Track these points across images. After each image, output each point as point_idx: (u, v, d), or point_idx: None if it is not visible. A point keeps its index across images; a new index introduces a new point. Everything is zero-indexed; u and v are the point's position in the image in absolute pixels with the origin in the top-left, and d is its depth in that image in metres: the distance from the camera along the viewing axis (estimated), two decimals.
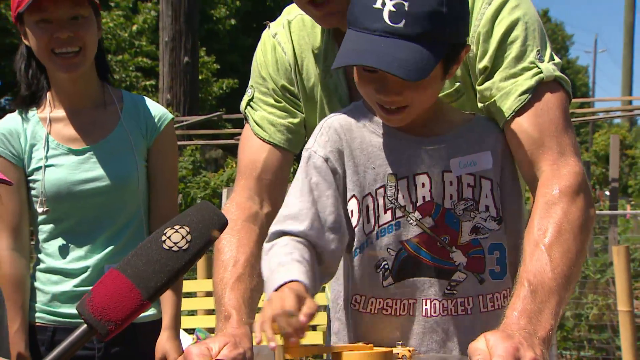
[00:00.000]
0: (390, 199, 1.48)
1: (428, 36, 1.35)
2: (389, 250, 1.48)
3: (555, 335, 1.73)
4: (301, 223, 1.46)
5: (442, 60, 1.39)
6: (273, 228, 1.50)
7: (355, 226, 1.50)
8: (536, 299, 1.29)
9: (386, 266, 1.48)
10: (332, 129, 1.52)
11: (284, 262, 1.40)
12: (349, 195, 1.50)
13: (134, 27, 19.39)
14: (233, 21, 22.94)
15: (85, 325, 1.08)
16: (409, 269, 1.47)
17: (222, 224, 1.16)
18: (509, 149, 1.52)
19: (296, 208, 1.48)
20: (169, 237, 1.11)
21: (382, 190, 1.48)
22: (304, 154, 1.55)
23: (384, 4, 1.35)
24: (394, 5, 1.34)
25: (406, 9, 1.34)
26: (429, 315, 1.47)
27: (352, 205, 1.50)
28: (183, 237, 1.11)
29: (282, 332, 1.26)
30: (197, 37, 13.21)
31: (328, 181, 1.49)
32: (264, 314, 1.28)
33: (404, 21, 1.34)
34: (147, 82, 18.74)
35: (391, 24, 1.34)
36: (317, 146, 1.52)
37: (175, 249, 1.10)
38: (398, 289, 1.48)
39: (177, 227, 1.12)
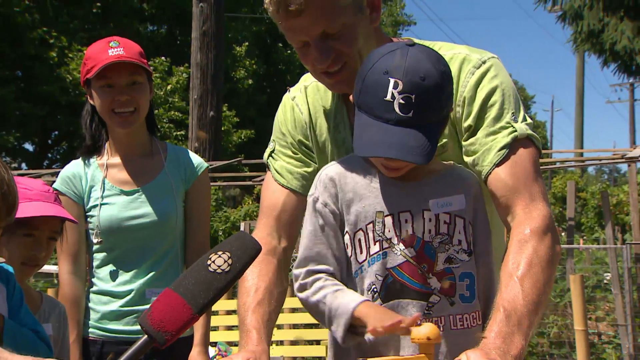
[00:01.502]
0: (378, 232, 1.48)
1: (432, 121, 1.39)
2: (377, 276, 1.47)
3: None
4: (326, 265, 1.49)
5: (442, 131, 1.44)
6: (302, 268, 1.51)
7: (350, 256, 1.51)
8: (510, 322, 1.29)
9: (375, 289, 1.48)
10: (328, 176, 1.53)
11: (342, 289, 1.45)
12: (344, 231, 1.51)
13: (169, 87, 19.49)
14: (250, 81, 23.07)
15: (145, 336, 1.08)
16: (395, 292, 1.47)
17: (257, 250, 1.17)
18: (480, 194, 1.53)
19: (315, 250, 1.50)
20: (213, 261, 1.12)
21: (371, 225, 1.48)
22: (309, 199, 1.55)
23: (393, 97, 1.35)
24: (402, 99, 1.35)
25: (413, 101, 1.35)
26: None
27: (346, 239, 1.51)
28: (225, 261, 1.12)
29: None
30: (221, 95, 13.27)
31: (330, 222, 1.51)
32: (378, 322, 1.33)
33: (412, 112, 1.35)
34: (178, 133, 18.78)
35: (402, 115, 1.36)
36: (318, 193, 1.53)
37: (219, 271, 1.11)
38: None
39: (220, 252, 1.13)
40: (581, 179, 20.60)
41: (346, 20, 1.49)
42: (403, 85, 1.35)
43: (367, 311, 1.38)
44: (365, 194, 1.50)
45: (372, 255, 1.48)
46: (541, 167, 1.55)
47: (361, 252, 1.50)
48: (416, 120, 1.36)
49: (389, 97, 1.36)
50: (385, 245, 1.47)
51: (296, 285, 1.52)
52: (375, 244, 1.48)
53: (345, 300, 1.41)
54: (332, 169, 1.55)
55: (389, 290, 1.48)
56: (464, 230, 1.49)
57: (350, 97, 1.48)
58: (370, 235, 1.49)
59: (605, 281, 7.09)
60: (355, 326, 1.41)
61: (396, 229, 1.47)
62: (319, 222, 1.51)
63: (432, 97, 1.36)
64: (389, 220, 1.48)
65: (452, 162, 1.56)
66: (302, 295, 1.50)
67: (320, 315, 1.47)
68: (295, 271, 1.53)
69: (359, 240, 1.50)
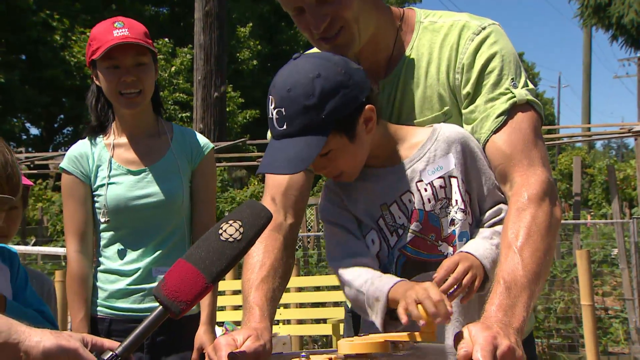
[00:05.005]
0: (390, 224, 1.49)
1: (308, 127, 1.36)
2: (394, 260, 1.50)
3: (533, 320, 1.73)
4: (363, 257, 1.50)
5: (340, 131, 1.40)
6: (340, 262, 1.51)
7: (378, 251, 1.52)
8: (510, 294, 1.27)
9: (391, 273, 1.49)
10: (329, 188, 1.57)
11: (380, 275, 1.44)
12: (367, 228, 1.52)
13: (173, 69, 19.46)
14: (255, 62, 23.04)
15: (160, 307, 1.08)
16: (413, 269, 1.49)
17: (268, 218, 1.16)
18: (466, 147, 1.50)
19: (349, 245, 1.51)
20: (225, 230, 1.11)
21: (381, 220, 1.50)
22: (321, 209, 1.59)
23: (272, 113, 1.39)
24: (276, 113, 1.38)
25: (284, 114, 1.37)
26: None
27: (372, 235, 1.52)
28: (237, 230, 1.11)
29: (430, 314, 1.27)
30: (225, 76, 13.22)
31: (351, 222, 1.53)
32: (409, 298, 1.31)
33: (285, 124, 1.37)
34: (183, 114, 18.79)
35: (279, 129, 1.38)
36: (326, 200, 1.57)
37: (230, 239, 1.11)
38: None
39: (231, 221, 1.13)
40: (588, 155, 20.55)
41: None
42: (275, 101, 1.38)
43: (400, 291, 1.36)
44: (363, 194, 1.52)
45: (393, 246, 1.50)
46: (549, 143, 1.53)
47: (380, 248, 1.51)
48: (293, 132, 1.37)
49: (270, 114, 1.40)
50: (401, 231, 1.49)
51: (340, 280, 1.52)
52: (392, 235, 1.50)
53: (382, 283, 1.41)
54: (331, 180, 1.57)
55: (405, 270, 1.49)
56: (459, 189, 1.49)
57: None
58: (385, 229, 1.50)
59: (612, 256, 7.10)
60: (394, 311, 1.38)
61: (404, 212, 1.49)
62: (340, 223, 1.53)
63: (299, 106, 1.35)
64: (394, 207, 1.49)
65: (432, 124, 1.55)
66: (344, 292, 1.50)
67: (360, 305, 1.46)
68: (332, 264, 1.54)
69: (378, 236, 1.51)
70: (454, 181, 1.48)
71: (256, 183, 11.38)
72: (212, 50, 12.38)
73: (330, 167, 1.46)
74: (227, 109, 15.91)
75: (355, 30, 1.51)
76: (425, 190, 1.48)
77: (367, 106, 1.42)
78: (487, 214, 1.51)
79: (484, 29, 1.53)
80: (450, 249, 1.48)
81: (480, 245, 1.45)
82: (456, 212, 1.48)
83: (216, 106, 12.56)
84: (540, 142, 1.48)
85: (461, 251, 1.44)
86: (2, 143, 1.56)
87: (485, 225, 1.51)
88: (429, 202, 1.48)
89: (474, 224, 1.51)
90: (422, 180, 1.48)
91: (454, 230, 1.48)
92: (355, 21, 1.51)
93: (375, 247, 1.52)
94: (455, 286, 1.38)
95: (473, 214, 1.51)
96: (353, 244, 1.51)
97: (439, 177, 1.48)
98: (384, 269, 1.51)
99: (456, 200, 1.48)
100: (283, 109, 1.36)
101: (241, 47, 22.53)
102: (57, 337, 1.11)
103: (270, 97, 1.39)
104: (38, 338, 1.09)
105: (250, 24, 22.78)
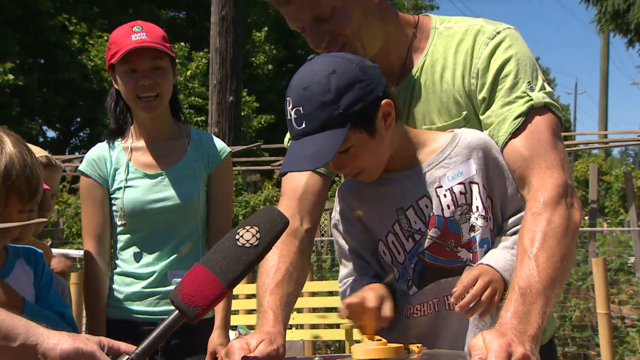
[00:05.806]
0: (406, 228, 1.49)
1: (326, 124, 1.37)
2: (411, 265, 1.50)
3: (554, 325, 1.71)
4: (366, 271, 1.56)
5: (358, 126, 1.40)
6: (345, 283, 1.58)
7: (391, 262, 1.52)
8: (525, 301, 1.25)
9: (408, 278, 1.49)
10: (342, 193, 1.58)
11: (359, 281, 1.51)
12: (377, 239, 1.53)
13: (188, 72, 19.55)
14: (270, 66, 23.11)
15: (176, 312, 1.08)
16: (432, 275, 1.48)
17: (285, 224, 1.16)
18: (488, 153, 1.49)
19: (355, 265, 1.56)
20: (241, 236, 1.11)
21: (397, 225, 1.50)
22: (333, 222, 1.61)
23: (290, 114, 1.40)
24: (294, 113, 1.39)
25: (302, 112, 1.38)
26: (452, 308, 1.43)
27: (381, 247, 1.52)
28: (253, 235, 1.11)
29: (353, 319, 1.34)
30: (240, 80, 13.26)
31: (359, 239, 1.56)
32: (348, 301, 1.37)
33: (304, 122, 1.38)
34: (198, 118, 18.85)
35: (298, 128, 1.39)
36: (336, 213, 1.59)
37: (247, 245, 1.11)
38: (423, 293, 1.49)
39: (248, 227, 1.13)
40: (605, 162, 20.37)
41: (335, 3, 1.49)
42: (292, 101, 1.39)
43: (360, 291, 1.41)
44: (377, 199, 1.52)
45: (410, 252, 1.50)
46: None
47: (399, 253, 1.51)
48: (312, 129, 1.37)
49: (289, 115, 1.40)
50: (418, 237, 1.48)
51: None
52: (408, 240, 1.49)
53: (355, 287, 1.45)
54: (345, 187, 1.59)
55: (423, 276, 1.49)
56: (479, 195, 1.48)
57: None
58: (400, 234, 1.50)
59: (629, 264, 7.03)
60: None
61: (420, 217, 1.48)
62: (351, 240, 1.55)
63: (317, 103, 1.36)
64: (410, 212, 1.49)
65: (453, 129, 1.54)
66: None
67: None
68: (340, 288, 1.58)
69: (392, 242, 1.51)
70: (474, 187, 1.47)
71: (270, 187, 11.40)
72: (227, 54, 12.41)
73: (351, 164, 1.45)
74: (242, 114, 15.96)
75: (357, 45, 1.52)
76: (445, 196, 1.47)
77: (384, 101, 1.42)
78: (510, 221, 1.50)
79: (498, 33, 1.53)
80: (470, 255, 1.47)
81: (500, 257, 1.44)
82: (477, 219, 1.47)
83: (231, 110, 12.59)
84: (560, 144, 1.47)
85: (481, 263, 1.43)
86: (23, 145, 1.57)
87: (508, 232, 1.50)
88: (448, 208, 1.47)
89: (496, 230, 1.50)
90: (441, 186, 1.48)
91: (474, 236, 1.47)
92: (356, 36, 1.52)
93: (387, 258, 1.52)
94: (474, 303, 1.37)
95: (495, 219, 1.50)
96: (358, 261, 1.55)
97: (459, 183, 1.47)
98: (402, 277, 1.51)
99: (477, 207, 1.47)
100: (301, 108, 1.37)
101: (256, 51, 22.60)
102: (75, 340, 1.11)
103: (288, 98, 1.40)
104: (56, 340, 1.10)
105: (266, 29, 22.85)
